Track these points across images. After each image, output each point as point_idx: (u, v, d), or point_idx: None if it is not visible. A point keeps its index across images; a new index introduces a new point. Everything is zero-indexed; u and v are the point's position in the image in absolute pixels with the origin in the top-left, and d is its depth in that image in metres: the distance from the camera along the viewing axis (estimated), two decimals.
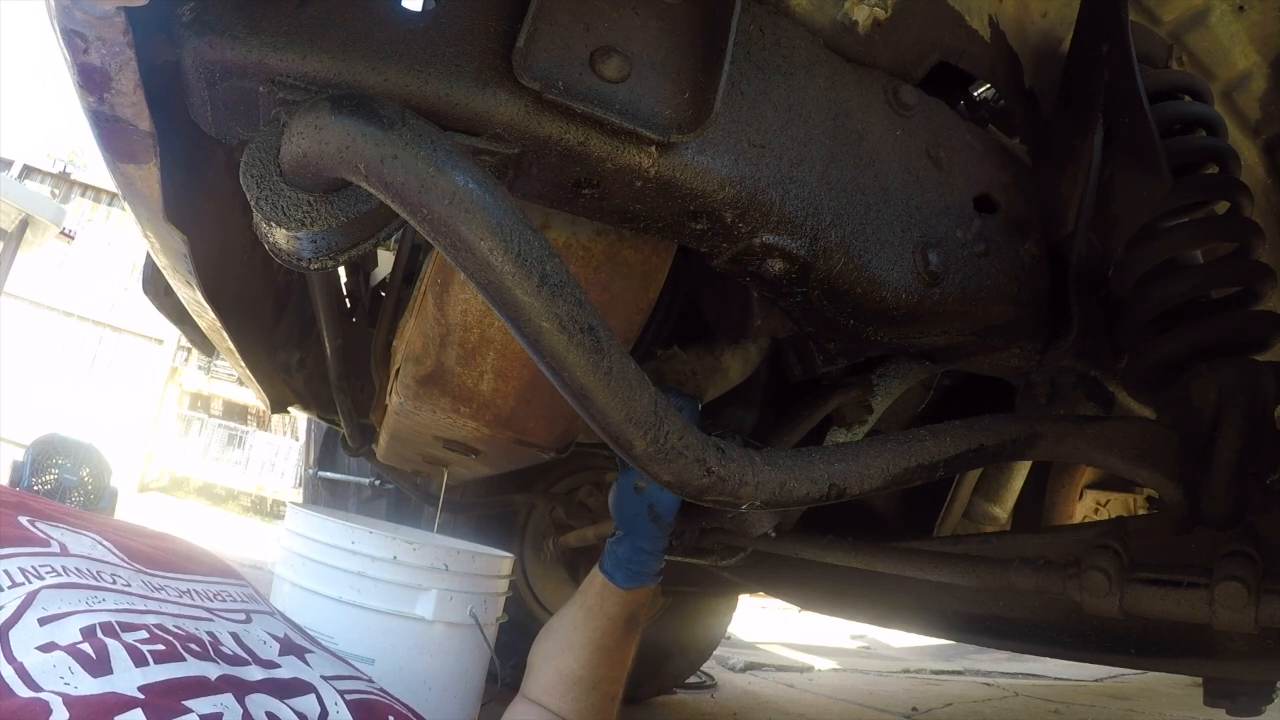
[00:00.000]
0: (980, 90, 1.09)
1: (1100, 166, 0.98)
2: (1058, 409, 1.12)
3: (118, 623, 0.81)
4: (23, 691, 0.68)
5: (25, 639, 0.75)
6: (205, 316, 1.29)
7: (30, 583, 0.83)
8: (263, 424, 10.36)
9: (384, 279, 1.98)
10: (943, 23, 0.93)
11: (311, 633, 1.12)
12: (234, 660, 0.86)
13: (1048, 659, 2.93)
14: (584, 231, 0.92)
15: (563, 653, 1.11)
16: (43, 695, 0.68)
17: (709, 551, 1.45)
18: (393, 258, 1.59)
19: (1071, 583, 0.82)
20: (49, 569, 0.87)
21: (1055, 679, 3.84)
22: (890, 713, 2.84)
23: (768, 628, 5.36)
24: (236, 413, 10.44)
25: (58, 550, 0.94)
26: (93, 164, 9.98)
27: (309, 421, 3.14)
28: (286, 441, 10.28)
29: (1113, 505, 1.69)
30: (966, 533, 1.49)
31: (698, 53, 0.74)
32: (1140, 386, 1.01)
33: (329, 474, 2.98)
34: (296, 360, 1.79)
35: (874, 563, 1.08)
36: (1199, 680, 0.95)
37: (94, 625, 0.79)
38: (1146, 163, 0.93)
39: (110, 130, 0.68)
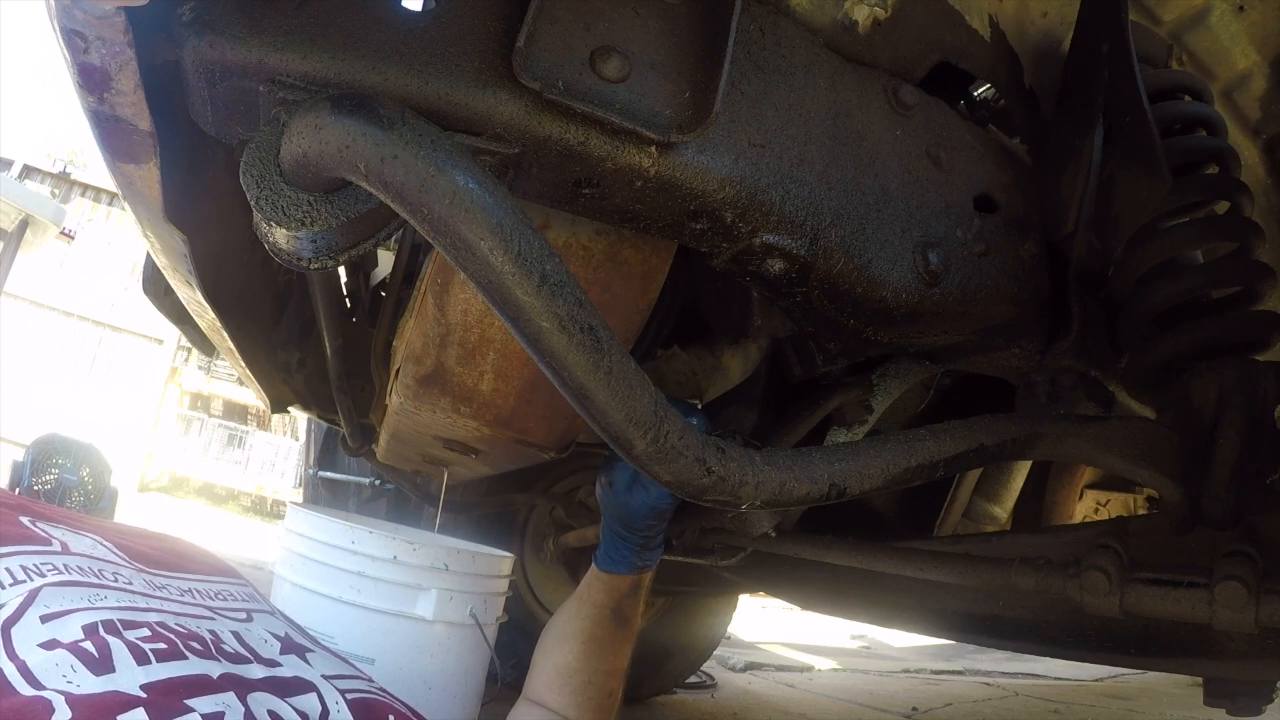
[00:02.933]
0: (980, 90, 1.09)
1: (1100, 166, 0.98)
2: (1058, 409, 1.12)
3: (120, 620, 0.81)
4: (25, 689, 0.68)
5: (27, 636, 0.75)
6: (205, 316, 1.29)
7: (32, 580, 0.83)
8: (263, 424, 10.35)
9: (384, 279, 1.98)
10: (943, 22, 0.93)
11: (312, 632, 1.13)
12: (235, 659, 0.86)
13: (1048, 659, 2.93)
14: (584, 231, 0.92)
15: (558, 645, 1.12)
16: (45, 693, 0.68)
17: (709, 551, 1.45)
18: (393, 258, 1.59)
19: (1071, 583, 0.82)
20: (50, 567, 0.87)
21: (1055, 679, 3.84)
22: (890, 713, 2.84)
23: (768, 628, 5.36)
24: (236, 413, 10.44)
25: (59, 549, 0.94)
26: (93, 164, 9.97)
27: (309, 421, 3.14)
28: (286, 441, 10.27)
29: (1113, 505, 1.69)
30: (966, 533, 1.49)
31: (698, 52, 0.74)
32: (1140, 386, 1.01)
33: (329, 474, 2.98)
34: (296, 360, 1.79)
35: (874, 563, 1.08)
36: (1199, 680, 0.95)
37: (96, 623, 0.79)
38: (1146, 162, 0.93)
39: (110, 130, 0.68)
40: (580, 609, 1.12)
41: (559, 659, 1.11)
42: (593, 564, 1.13)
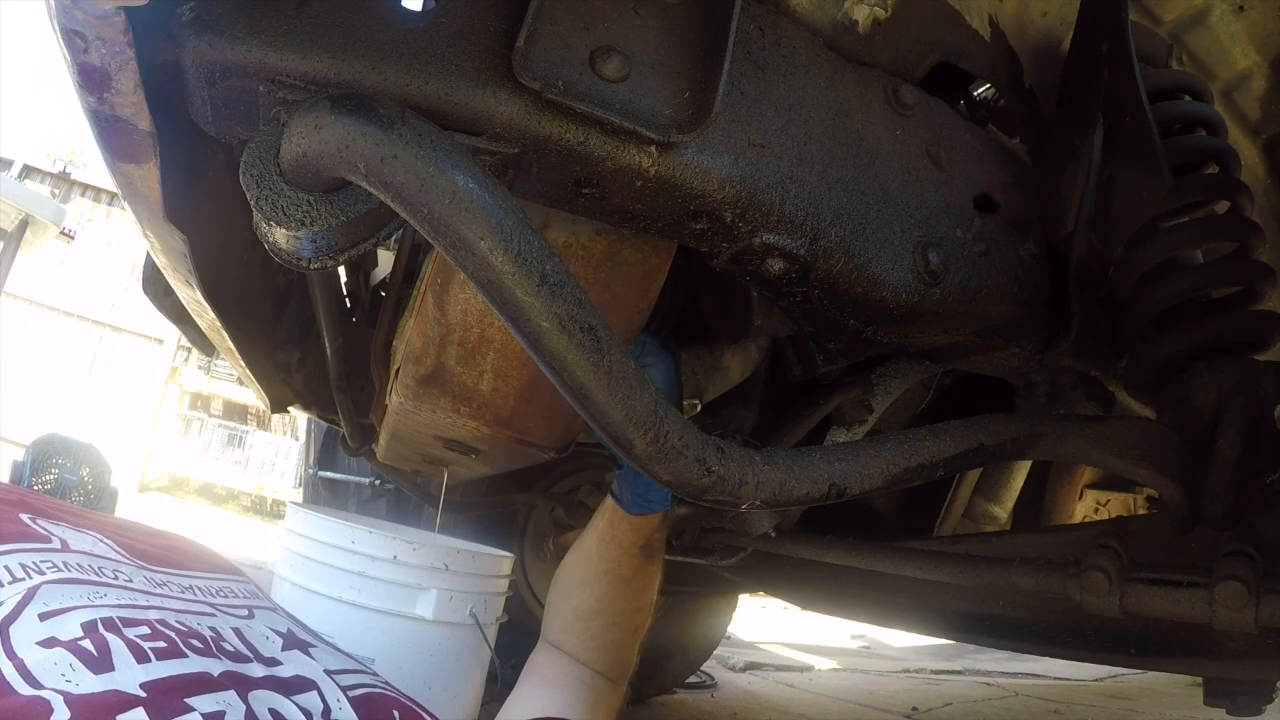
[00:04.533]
0: (980, 90, 1.09)
1: (1100, 166, 0.98)
2: (1058, 409, 1.12)
3: (119, 618, 0.81)
4: (23, 689, 0.68)
5: (26, 634, 0.74)
6: (205, 316, 1.29)
7: (31, 578, 0.83)
8: (263, 424, 10.36)
9: (384, 279, 1.98)
10: (943, 22, 0.93)
11: None
12: (237, 657, 0.86)
13: (1048, 659, 2.93)
14: (584, 231, 0.92)
15: (578, 588, 1.07)
16: (43, 693, 0.67)
17: (709, 551, 1.45)
18: (393, 258, 1.59)
19: (1071, 582, 0.82)
20: (50, 565, 0.87)
21: (1055, 679, 3.84)
22: (890, 713, 2.84)
23: (768, 628, 5.36)
24: (236, 413, 10.45)
25: (59, 546, 0.94)
26: (93, 164, 9.98)
27: (309, 421, 3.13)
28: (286, 441, 10.28)
29: (1113, 505, 1.69)
30: (966, 533, 1.49)
31: (698, 52, 0.74)
32: (1140, 386, 1.01)
33: (329, 474, 2.98)
34: (296, 360, 1.79)
35: (874, 563, 1.08)
36: (1199, 680, 0.95)
37: (95, 620, 0.78)
38: (1146, 162, 0.93)
39: (110, 130, 0.68)
40: (603, 551, 1.05)
41: (579, 602, 1.06)
42: (612, 507, 1.06)
